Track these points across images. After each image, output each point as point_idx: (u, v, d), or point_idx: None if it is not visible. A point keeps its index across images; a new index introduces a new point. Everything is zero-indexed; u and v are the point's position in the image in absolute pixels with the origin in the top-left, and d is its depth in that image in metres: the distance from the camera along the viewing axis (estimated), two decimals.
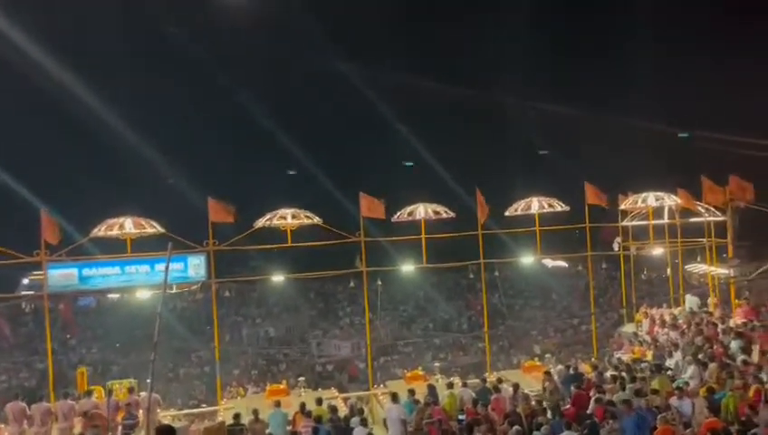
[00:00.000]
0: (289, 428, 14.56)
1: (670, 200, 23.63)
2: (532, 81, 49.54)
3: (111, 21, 46.25)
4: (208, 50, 49.57)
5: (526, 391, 15.36)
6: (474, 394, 15.34)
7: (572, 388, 14.85)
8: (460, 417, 14.00)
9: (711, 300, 24.36)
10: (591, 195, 22.93)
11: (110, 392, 16.22)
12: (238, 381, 33.91)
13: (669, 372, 16.09)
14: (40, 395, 16.60)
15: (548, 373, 16.69)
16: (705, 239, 24.90)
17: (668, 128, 47.97)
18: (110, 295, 26.68)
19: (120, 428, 14.75)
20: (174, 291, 20.51)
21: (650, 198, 23.56)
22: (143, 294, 19.09)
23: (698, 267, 26.33)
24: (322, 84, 53.65)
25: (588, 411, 13.30)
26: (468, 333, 46.95)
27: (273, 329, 49.54)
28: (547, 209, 22.28)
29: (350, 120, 55.26)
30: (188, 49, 48.48)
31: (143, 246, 18.52)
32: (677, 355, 17.19)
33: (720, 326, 19.04)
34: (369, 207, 19.79)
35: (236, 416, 14.60)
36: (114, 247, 18.56)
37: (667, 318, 21.52)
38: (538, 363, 21.17)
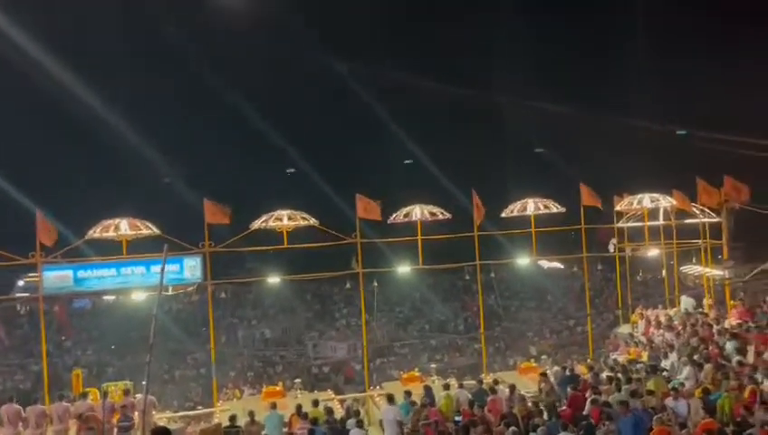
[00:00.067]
0: (285, 430, 14.56)
1: (665, 202, 23.69)
2: (528, 80, 49.59)
3: (110, 21, 46.19)
4: (207, 50, 49.63)
5: (522, 393, 15.35)
6: (470, 395, 15.34)
7: (568, 389, 14.86)
8: (456, 418, 13.96)
9: (706, 301, 24.43)
10: (587, 196, 22.98)
11: (105, 394, 16.23)
12: (234, 382, 33.89)
13: (665, 373, 16.12)
14: (35, 397, 16.50)
15: (544, 374, 16.70)
16: (700, 241, 24.99)
17: (666, 127, 48.06)
18: (105, 297, 26.63)
19: (115, 430, 14.70)
20: (170, 293, 20.43)
21: (645, 200, 23.63)
22: (139, 296, 19.03)
23: (693, 269, 26.42)
24: (321, 84, 53.68)
25: (584, 413, 13.30)
26: (464, 334, 46.98)
27: (269, 331, 49.46)
28: (543, 211, 22.33)
29: (348, 121, 55.25)
30: (187, 49, 48.51)
31: (139, 248, 18.49)
32: (673, 356, 17.22)
33: (715, 327, 19.09)
34: (366, 208, 19.79)
35: (232, 418, 14.55)
36: (110, 249, 18.53)
37: (663, 319, 21.59)
38: (534, 365, 21.21)
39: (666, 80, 47.22)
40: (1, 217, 35.96)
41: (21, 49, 38.46)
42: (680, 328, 20.06)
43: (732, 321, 20.43)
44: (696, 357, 16.14)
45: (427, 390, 16.04)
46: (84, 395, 15.89)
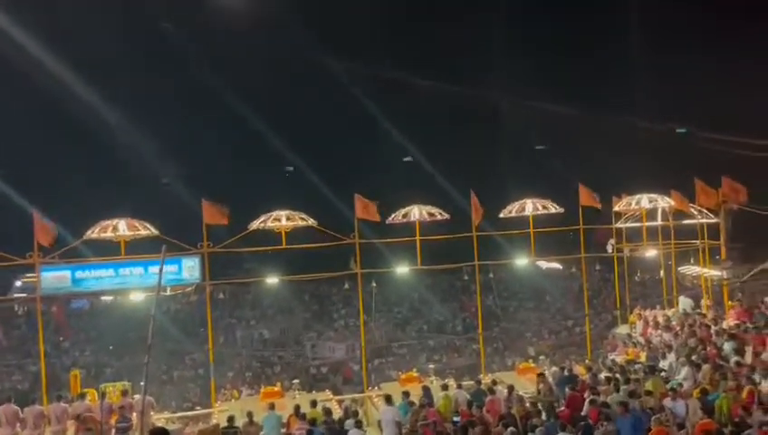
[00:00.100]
0: (283, 430, 14.54)
1: (663, 202, 23.72)
2: (527, 79, 49.57)
3: (110, 21, 46.13)
4: (206, 50, 49.56)
5: (521, 393, 15.38)
6: (468, 396, 15.35)
7: (567, 389, 14.88)
8: (455, 419, 13.98)
9: (704, 302, 24.47)
10: (585, 197, 22.99)
11: (103, 395, 16.21)
12: (232, 383, 33.89)
13: (663, 374, 16.15)
14: (33, 398, 16.46)
15: (541, 375, 16.73)
16: (698, 241, 25.02)
17: (665, 126, 48.11)
18: (103, 298, 26.63)
19: (113, 431, 14.70)
20: (168, 293, 20.42)
21: (644, 200, 23.65)
22: (137, 297, 19.01)
23: (691, 269, 26.50)
24: (321, 84, 53.63)
25: (582, 413, 13.31)
26: (463, 334, 47.00)
27: (267, 331, 49.42)
28: (541, 211, 22.32)
29: (347, 121, 55.22)
30: (186, 49, 48.45)
31: (137, 249, 18.45)
32: (671, 357, 17.25)
33: (713, 328, 19.12)
34: (364, 208, 19.79)
35: (230, 418, 14.54)
36: (108, 249, 18.49)
37: (661, 320, 21.61)
38: (532, 365, 21.21)
39: (664, 79, 47.18)
40: None
41: (19, 49, 38.45)
42: (678, 329, 20.08)
43: (730, 321, 20.45)
44: (694, 358, 16.17)
45: (426, 390, 16.03)
46: (82, 396, 15.88)
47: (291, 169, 56.54)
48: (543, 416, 13.18)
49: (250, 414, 14.55)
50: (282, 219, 19.13)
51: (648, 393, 13.84)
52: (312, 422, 13.82)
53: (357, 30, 48.96)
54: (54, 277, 17.51)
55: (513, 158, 51.45)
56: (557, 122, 48.66)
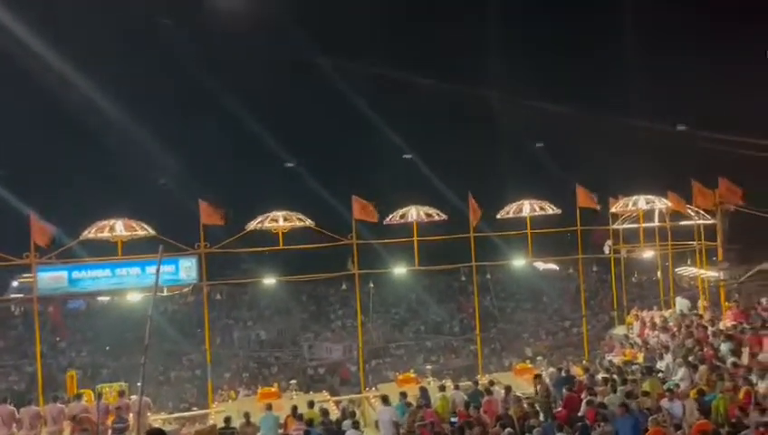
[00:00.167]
0: (280, 431, 14.53)
1: (660, 203, 23.73)
2: (526, 79, 49.61)
3: (109, 20, 46.11)
4: (205, 50, 49.56)
5: (518, 394, 15.36)
6: (465, 397, 15.34)
7: (564, 390, 14.89)
8: (452, 419, 13.99)
9: (701, 303, 24.49)
10: (583, 198, 23.00)
11: (99, 396, 16.15)
12: (229, 384, 33.82)
13: (660, 375, 16.16)
14: (29, 398, 16.52)
15: (538, 376, 16.71)
16: (695, 242, 25.05)
17: (662, 126, 48.12)
18: (100, 298, 26.55)
19: (110, 431, 14.65)
20: (165, 294, 20.40)
21: (641, 201, 23.64)
22: (134, 297, 18.94)
23: (688, 270, 26.50)
24: (318, 84, 53.65)
25: (579, 414, 13.32)
26: (460, 335, 47.07)
27: (264, 332, 49.43)
28: (538, 212, 22.32)
29: (346, 121, 55.23)
30: (185, 49, 48.40)
31: (134, 249, 18.39)
32: (668, 357, 17.27)
33: (710, 329, 19.12)
34: (362, 209, 19.78)
35: (227, 419, 14.53)
36: (104, 250, 18.43)
37: (658, 321, 21.61)
38: (530, 366, 21.17)
39: (662, 78, 47.29)
40: None
41: (19, 49, 38.37)
42: (675, 329, 20.09)
43: (727, 322, 20.47)
44: (691, 358, 16.19)
45: (423, 391, 16.03)
46: (79, 396, 15.82)
47: (291, 165, 56.44)
48: (541, 417, 13.20)
49: (247, 415, 14.54)
50: (279, 220, 19.09)
51: (646, 394, 13.84)
52: (310, 423, 13.81)
53: (356, 30, 49.02)
54: (51, 278, 17.45)
55: (511, 158, 51.50)
56: (555, 122, 48.68)
